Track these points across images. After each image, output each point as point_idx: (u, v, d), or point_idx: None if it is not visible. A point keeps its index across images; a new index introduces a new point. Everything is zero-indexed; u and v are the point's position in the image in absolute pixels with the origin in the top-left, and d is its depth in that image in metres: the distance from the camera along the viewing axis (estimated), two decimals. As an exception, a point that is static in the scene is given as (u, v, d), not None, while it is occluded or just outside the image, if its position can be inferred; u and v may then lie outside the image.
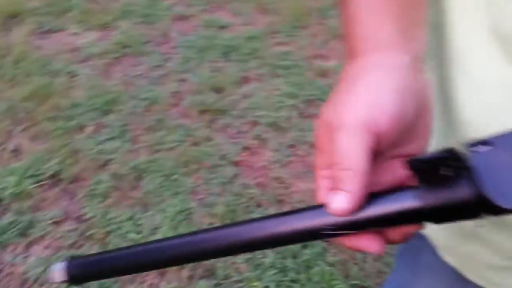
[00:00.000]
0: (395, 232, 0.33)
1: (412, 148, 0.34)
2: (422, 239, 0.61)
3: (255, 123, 2.10)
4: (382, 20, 0.37)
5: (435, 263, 0.62)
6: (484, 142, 0.29)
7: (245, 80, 2.39)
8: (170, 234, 1.56)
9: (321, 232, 0.32)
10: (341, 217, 0.31)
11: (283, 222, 0.34)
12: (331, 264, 1.45)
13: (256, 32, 2.78)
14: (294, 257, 1.48)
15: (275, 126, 2.06)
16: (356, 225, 0.31)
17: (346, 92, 0.34)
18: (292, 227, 0.33)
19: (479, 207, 0.28)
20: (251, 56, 2.56)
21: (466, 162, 0.28)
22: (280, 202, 1.70)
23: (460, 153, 0.28)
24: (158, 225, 1.61)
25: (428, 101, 0.35)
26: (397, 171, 0.34)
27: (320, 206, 0.33)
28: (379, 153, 0.32)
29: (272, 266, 1.46)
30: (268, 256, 1.49)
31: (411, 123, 0.33)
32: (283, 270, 1.44)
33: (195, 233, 0.37)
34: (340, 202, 0.30)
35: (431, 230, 0.58)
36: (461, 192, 0.28)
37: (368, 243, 0.32)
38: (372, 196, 0.31)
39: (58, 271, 0.41)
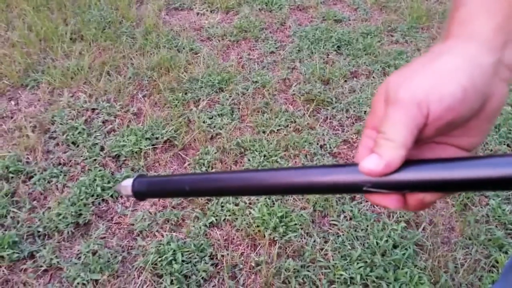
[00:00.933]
0: (414, 198, 0.35)
1: (460, 142, 0.35)
2: None
3: (357, 118, 2.10)
4: (485, 9, 0.35)
5: None
6: None
7: (354, 74, 2.40)
8: (265, 211, 1.64)
9: (362, 188, 0.35)
10: (377, 176, 0.33)
11: (326, 173, 0.37)
12: (421, 268, 1.43)
13: (372, 28, 2.75)
14: (383, 254, 1.48)
15: (379, 124, 2.05)
16: (393, 186, 0.34)
17: (416, 69, 0.34)
18: (332, 178, 0.36)
19: None
20: (363, 52, 2.55)
21: None
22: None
23: None
24: (256, 201, 1.70)
25: (495, 108, 0.34)
26: (437, 154, 0.36)
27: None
28: (425, 134, 0.33)
29: (360, 259, 1.48)
30: (357, 249, 1.51)
31: (465, 121, 0.33)
32: (370, 265, 1.45)
33: (248, 171, 0.41)
34: (370, 163, 0.32)
35: None
36: None
37: (391, 201, 0.35)
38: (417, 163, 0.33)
39: (125, 186, 0.47)
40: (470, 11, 0.35)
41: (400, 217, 1.62)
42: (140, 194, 0.47)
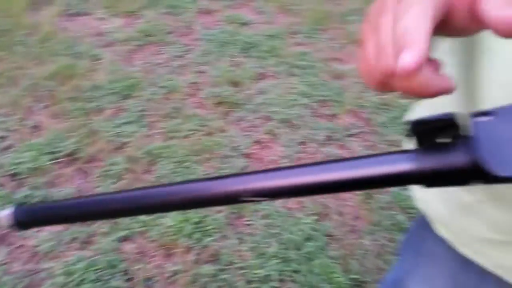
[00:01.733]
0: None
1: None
2: (426, 227, 0.64)
3: (268, 119, 2.15)
4: None
5: (437, 252, 0.64)
6: (486, 113, 0.29)
7: (262, 76, 2.44)
8: (179, 218, 1.61)
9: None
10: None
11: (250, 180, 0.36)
12: (332, 258, 1.49)
13: (276, 31, 2.83)
14: (297, 248, 1.52)
15: (287, 122, 2.11)
16: (348, 186, 0.33)
17: None
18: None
19: (472, 174, 0.29)
20: (269, 54, 2.61)
21: (465, 129, 0.29)
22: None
23: (460, 120, 0.29)
24: (168, 208, 1.66)
25: None
26: None
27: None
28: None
29: (275, 256, 1.50)
30: (272, 246, 1.53)
31: None
32: (286, 261, 1.48)
33: (137, 189, 0.40)
34: (410, 56, 0.27)
35: (429, 203, 0.60)
36: (457, 158, 0.29)
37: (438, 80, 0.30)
38: (370, 157, 0.33)
39: (5, 216, 0.44)
40: None
41: (310, 211, 1.67)
42: (23, 224, 0.44)
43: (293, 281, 1.43)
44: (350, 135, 2.07)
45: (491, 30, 0.28)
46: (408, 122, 0.29)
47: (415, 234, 0.72)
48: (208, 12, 3.00)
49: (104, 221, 1.60)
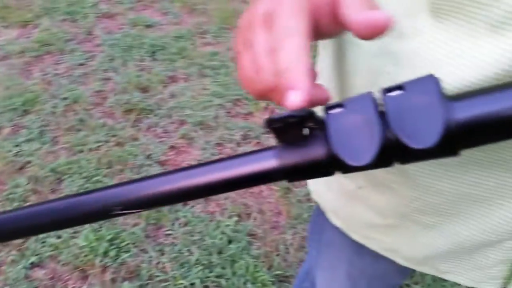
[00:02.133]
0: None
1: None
2: (323, 217, 0.65)
3: (182, 122, 2.09)
4: None
5: (334, 240, 0.66)
6: (338, 105, 0.29)
7: (172, 79, 2.37)
8: (92, 237, 1.51)
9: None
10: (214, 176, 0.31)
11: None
12: (255, 257, 1.48)
13: (184, 32, 2.77)
14: (220, 252, 1.49)
15: (202, 125, 2.07)
16: (215, 188, 0.32)
17: None
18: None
19: (332, 165, 0.30)
20: (178, 56, 2.55)
21: (321, 123, 0.29)
22: (206, 199, 1.70)
23: (315, 114, 0.29)
24: (79, 228, 1.56)
25: None
26: None
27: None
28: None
29: (198, 263, 1.46)
30: (194, 253, 1.49)
31: None
32: (209, 266, 1.45)
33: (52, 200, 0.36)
34: (297, 96, 0.28)
35: (320, 193, 0.62)
36: (315, 151, 0.29)
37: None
38: (234, 158, 0.32)
39: None
40: None
41: (231, 212, 1.65)
42: None
43: (217, 286, 1.40)
44: (267, 132, 2.07)
45: (352, 32, 0.29)
46: (265, 120, 0.28)
47: (315, 224, 0.73)
48: (109, 16, 2.87)
49: (11, 248, 1.48)
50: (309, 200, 1.72)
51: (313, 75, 0.29)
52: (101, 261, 1.45)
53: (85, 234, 1.52)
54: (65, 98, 2.13)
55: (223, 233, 1.56)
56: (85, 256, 1.47)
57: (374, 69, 0.40)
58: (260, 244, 1.53)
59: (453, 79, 0.34)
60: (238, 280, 1.40)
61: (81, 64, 2.40)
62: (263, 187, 1.76)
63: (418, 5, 0.37)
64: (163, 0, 3.10)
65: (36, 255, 1.47)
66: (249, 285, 1.39)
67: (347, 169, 0.29)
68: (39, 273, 1.44)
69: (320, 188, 0.61)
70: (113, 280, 1.41)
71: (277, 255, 1.50)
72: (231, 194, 1.73)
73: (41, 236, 1.53)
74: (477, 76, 0.33)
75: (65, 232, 1.54)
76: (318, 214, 0.68)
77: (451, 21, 0.34)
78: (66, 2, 2.97)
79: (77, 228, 1.56)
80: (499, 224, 0.44)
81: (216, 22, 2.89)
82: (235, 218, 1.62)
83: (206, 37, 2.77)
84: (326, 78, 0.48)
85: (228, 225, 1.58)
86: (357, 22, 0.28)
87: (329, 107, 0.30)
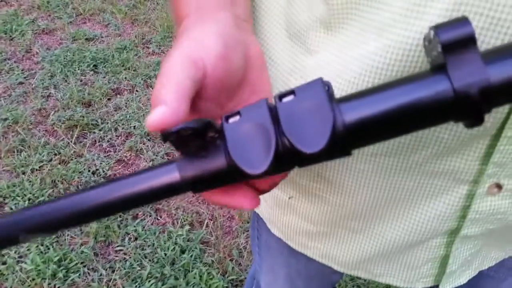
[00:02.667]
0: (263, 183, 0.34)
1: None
2: (260, 222, 0.65)
3: (128, 135, 2.06)
4: None
5: (271, 242, 0.67)
6: (235, 114, 0.30)
7: (116, 91, 2.33)
8: (38, 258, 1.46)
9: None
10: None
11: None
12: (209, 265, 1.48)
13: (127, 43, 2.72)
14: (172, 263, 1.48)
15: (149, 136, 2.04)
16: (121, 205, 0.31)
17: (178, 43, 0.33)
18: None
19: (233, 174, 0.30)
20: (122, 68, 2.50)
21: (220, 133, 0.29)
22: (158, 210, 1.68)
23: (214, 123, 0.29)
24: (24, 252, 1.50)
25: (260, 58, 0.37)
26: None
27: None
28: (211, 96, 0.32)
29: (151, 276, 1.44)
30: (146, 267, 1.46)
31: (241, 73, 0.34)
32: (161, 279, 1.43)
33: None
34: (158, 113, 0.27)
35: (260, 208, 0.62)
36: (215, 162, 0.29)
37: (242, 199, 0.32)
38: (139, 173, 0.31)
39: None
40: None
41: (183, 221, 1.64)
42: None
43: (172, 297, 1.38)
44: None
45: None
46: (161, 134, 0.28)
47: (254, 230, 0.74)
48: (48, 32, 2.78)
49: None
50: (260, 202, 1.73)
51: (184, 95, 0.29)
52: (49, 284, 1.41)
53: (31, 256, 1.47)
54: (4, 119, 2.05)
55: (175, 243, 1.54)
56: (32, 280, 1.41)
57: (289, 85, 0.42)
58: (213, 251, 1.53)
59: (344, 80, 0.37)
60: (192, 289, 1.39)
61: (20, 83, 2.32)
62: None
63: (313, 22, 0.39)
64: (104, 12, 3.04)
65: (-21, 285, 1.41)
66: (203, 293, 1.38)
67: (247, 177, 0.29)
68: (-17, 303, 1.37)
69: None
70: (63, 303, 1.37)
71: (231, 260, 1.50)
72: (183, 203, 1.71)
73: (-17, 264, 1.46)
74: (361, 71, 0.35)
75: (10, 257, 1.48)
76: (256, 220, 0.69)
77: (341, 33, 0.37)
78: (1, 19, 2.85)
79: (22, 252, 1.50)
80: (421, 223, 0.46)
81: (160, 31, 2.86)
82: (187, 227, 1.61)
83: (149, 47, 2.74)
84: None
85: (180, 235, 1.57)
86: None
87: (227, 117, 0.30)
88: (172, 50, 0.32)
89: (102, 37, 2.77)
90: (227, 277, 1.43)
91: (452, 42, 0.26)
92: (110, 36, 2.80)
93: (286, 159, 0.29)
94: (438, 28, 0.27)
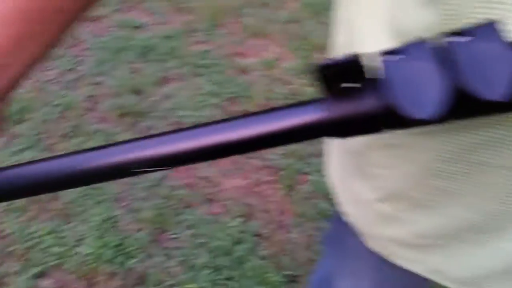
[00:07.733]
0: None
1: None
2: (346, 224, 0.64)
3: (178, 124, 2.07)
4: None
5: (360, 247, 0.65)
6: (394, 51, 0.27)
7: (165, 80, 2.35)
8: (96, 244, 1.49)
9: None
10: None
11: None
12: (263, 258, 1.48)
13: (173, 31, 2.73)
14: (227, 254, 1.49)
15: (199, 125, 2.05)
16: (255, 143, 0.30)
17: None
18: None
19: (385, 119, 0.28)
20: (169, 56, 2.52)
21: (375, 72, 0.27)
22: (210, 201, 1.69)
23: (368, 61, 0.27)
24: (83, 236, 1.54)
25: None
26: None
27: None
28: None
29: (205, 266, 1.45)
30: (201, 256, 1.48)
31: None
32: (217, 269, 1.44)
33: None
34: None
35: (354, 218, 0.61)
36: (367, 103, 0.27)
37: None
38: (277, 110, 0.30)
39: None
40: None
41: (235, 213, 1.64)
42: None
43: (227, 288, 1.40)
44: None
45: None
46: (315, 68, 0.26)
47: (336, 230, 0.72)
48: (95, 19, 2.81)
49: (14, 259, 1.45)
50: (313, 197, 1.72)
51: None
52: (107, 268, 1.44)
53: (89, 241, 1.50)
54: (57, 105, 2.10)
55: (229, 234, 1.55)
56: (91, 263, 1.45)
57: None
58: (267, 244, 1.53)
59: None
60: (247, 282, 1.40)
61: (71, 69, 2.36)
62: (265, 186, 1.76)
63: None
64: (149, 0, 3.06)
65: (41, 264, 1.45)
66: (260, 286, 1.39)
67: (403, 123, 0.27)
68: (45, 283, 1.42)
69: (353, 211, 0.59)
70: (122, 287, 1.40)
71: (286, 255, 1.50)
72: (234, 194, 1.72)
73: (43, 245, 1.51)
74: None
75: (68, 241, 1.52)
76: (339, 220, 0.67)
77: None
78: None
79: (79, 236, 1.54)
80: None
81: (205, 20, 2.86)
82: (240, 219, 1.61)
83: (195, 35, 2.74)
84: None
85: (234, 226, 1.58)
86: None
87: (384, 54, 0.27)
88: None
89: (148, 25, 2.79)
90: (283, 272, 1.43)
91: None
92: (156, 24, 2.82)
93: (460, 107, 0.26)
94: None
